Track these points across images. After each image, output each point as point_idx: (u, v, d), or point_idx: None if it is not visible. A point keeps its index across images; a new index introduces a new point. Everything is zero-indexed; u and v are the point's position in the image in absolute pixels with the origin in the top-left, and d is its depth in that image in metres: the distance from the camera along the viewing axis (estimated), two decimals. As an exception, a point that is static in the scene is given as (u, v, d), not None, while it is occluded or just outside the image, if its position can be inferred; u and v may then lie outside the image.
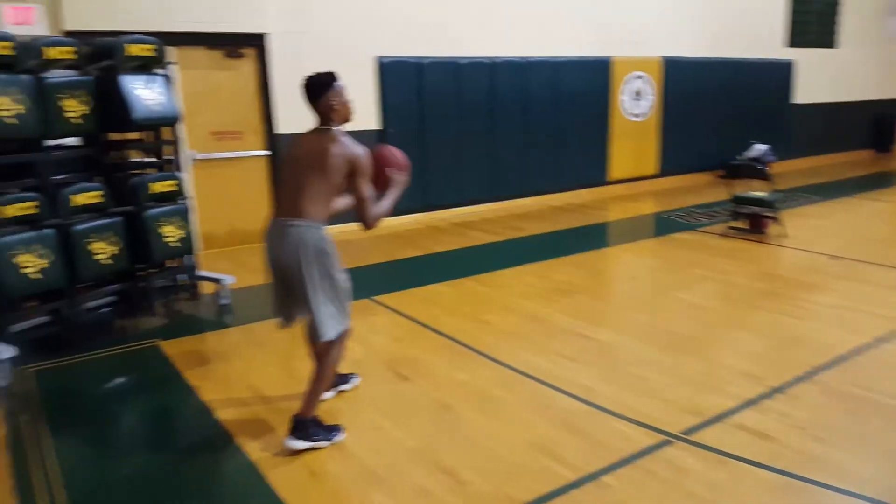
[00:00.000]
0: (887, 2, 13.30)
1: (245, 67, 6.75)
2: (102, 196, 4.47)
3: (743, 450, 3.04)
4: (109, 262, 4.46)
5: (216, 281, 5.25)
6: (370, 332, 4.57)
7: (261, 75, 6.80)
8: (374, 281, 5.87)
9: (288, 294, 3.13)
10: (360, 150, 3.03)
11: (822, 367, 3.91)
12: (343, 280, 3.13)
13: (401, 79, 7.51)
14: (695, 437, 3.16)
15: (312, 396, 3.11)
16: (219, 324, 4.96)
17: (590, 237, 7.63)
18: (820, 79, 12.27)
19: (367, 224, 3.08)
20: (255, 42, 6.68)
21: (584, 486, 2.80)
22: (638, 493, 2.75)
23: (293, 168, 3.09)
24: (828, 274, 5.88)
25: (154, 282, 4.88)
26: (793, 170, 11.62)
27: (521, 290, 5.53)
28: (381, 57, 7.35)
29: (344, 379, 3.69)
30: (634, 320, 4.89)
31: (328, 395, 3.54)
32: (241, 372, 4.04)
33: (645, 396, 3.59)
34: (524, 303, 5.18)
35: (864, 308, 4.96)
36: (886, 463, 2.97)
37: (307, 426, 3.07)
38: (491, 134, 8.36)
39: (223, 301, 5.21)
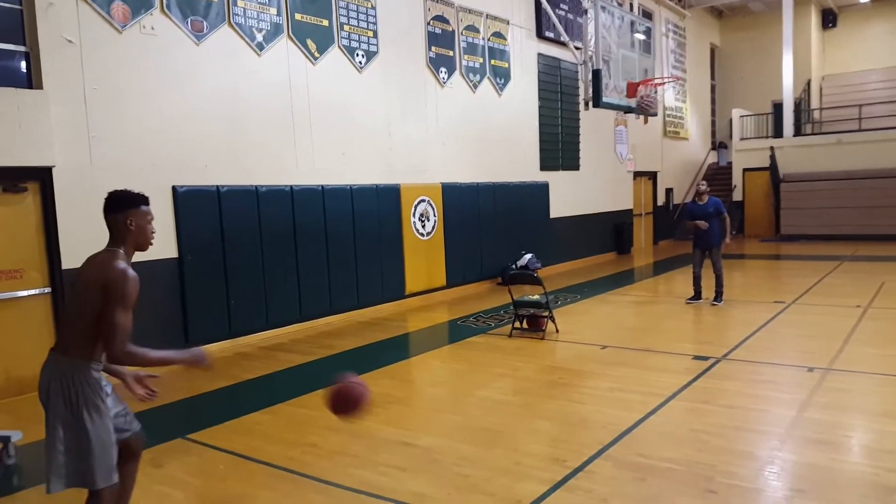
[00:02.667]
0: (615, 133, 16.27)
1: (27, 202, 6.34)
2: None
3: (560, 526, 3.48)
4: None
5: (0, 439, 4.69)
6: (188, 475, 4.37)
7: (44, 209, 6.42)
8: (184, 418, 5.62)
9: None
10: (121, 270, 2.73)
11: (610, 444, 4.58)
12: (100, 432, 2.76)
13: (199, 207, 7.52)
14: (520, 523, 3.54)
15: None
16: (10, 488, 4.39)
17: (397, 348, 8.04)
18: (569, 196, 14.43)
19: (113, 355, 2.69)
20: (39, 175, 6.34)
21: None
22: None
23: (70, 296, 2.93)
24: (600, 362, 6.85)
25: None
26: (555, 273, 13.30)
27: (340, 408, 5.66)
28: (176, 186, 7.34)
29: None
30: (449, 421, 5.28)
31: None
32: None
33: (471, 493, 3.93)
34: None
35: (633, 388, 5.88)
36: (669, 516, 3.59)
37: None
38: (293, 257, 8.59)
39: (11, 461, 4.66)
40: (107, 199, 2.93)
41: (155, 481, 4.22)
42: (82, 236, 6.55)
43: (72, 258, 6.52)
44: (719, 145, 23.34)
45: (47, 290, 6.49)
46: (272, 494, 4.06)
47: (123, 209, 2.90)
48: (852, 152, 18.31)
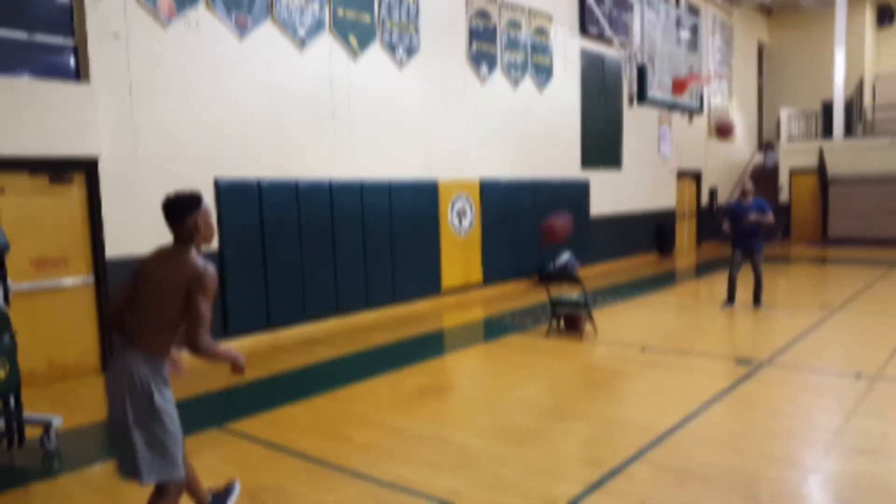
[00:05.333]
0: (659, 131, 15.97)
1: (72, 192, 6.49)
2: None
3: (596, 529, 3.40)
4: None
5: (42, 424, 4.77)
6: (223, 464, 4.40)
7: (89, 199, 6.56)
8: (220, 408, 5.69)
9: (118, 432, 2.89)
10: (202, 267, 2.89)
11: (648, 447, 4.47)
12: (173, 424, 2.93)
13: (239, 199, 7.60)
14: (554, 524, 3.46)
15: None
16: (49, 472, 4.46)
17: (432, 345, 8.01)
18: (610, 195, 14.21)
19: (197, 344, 2.85)
20: (84, 166, 6.49)
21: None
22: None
23: (135, 294, 2.93)
24: (638, 364, 6.70)
25: (-31, 430, 4.36)
26: (595, 273, 13.10)
27: (375, 401, 5.67)
28: (218, 178, 7.43)
29: (224, 498, 3.52)
30: (483, 420, 5.21)
31: None
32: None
33: (506, 493, 3.87)
34: (380, 414, 5.32)
35: (672, 391, 5.74)
36: (709, 524, 3.48)
37: None
38: (331, 251, 8.62)
39: (51, 446, 4.74)
40: (171, 206, 2.96)
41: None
42: (126, 226, 6.71)
43: (115, 247, 6.67)
44: (766, 146, 22.72)
45: (90, 279, 6.63)
46: (305, 487, 4.05)
47: (191, 212, 2.95)
48: (906, 155, 17.61)
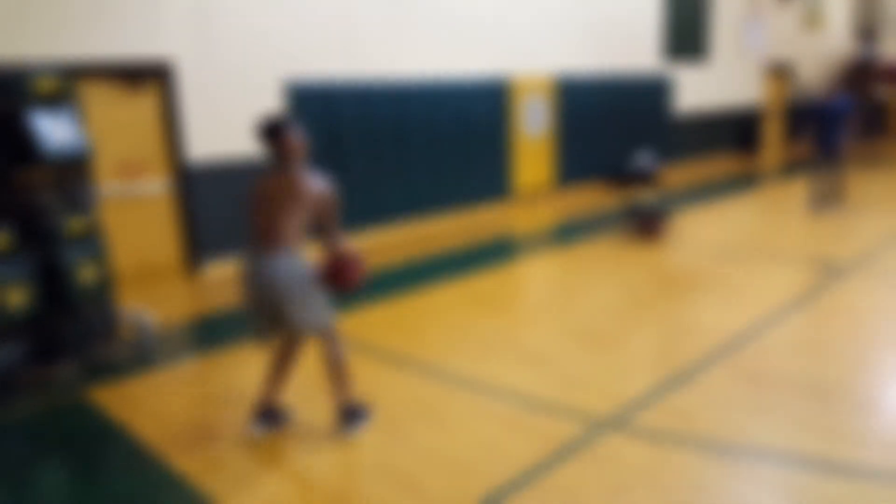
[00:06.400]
0: (747, 20, 14.76)
1: (147, 97, 6.62)
2: (11, 239, 4.27)
3: (667, 427, 3.40)
4: (22, 309, 4.25)
5: (136, 320, 5.11)
6: (309, 357, 4.62)
7: (164, 104, 6.69)
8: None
9: (272, 315, 3.42)
10: (325, 186, 3.41)
11: (722, 350, 4.40)
12: (321, 292, 3.49)
13: (311, 102, 7.59)
14: (625, 422, 3.49)
15: (343, 387, 3.53)
16: (146, 364, 4.78)
17: (503, 249, 8.01)
18: (693, 90, 13.40)
19: (335, 239, 3.51)
20: (158, 71, 6.57)
21: (531, 476, 3.05)
22: (581, 479, 3.03)
23: (266, 204, 3.39)
24: (716, 267, 6.51)
25: (72, 326, 4.66)
26: (675, 174, 12.61)
27: (448, 304, 5.77)
28: (288, 78, 7.41)
29: (276, 417, 3.65)
30: (553, 322, 5.24)
31: (258, 432, 3.56)
32: (184, 411, 3.96)
33: (574, 389, 3.92)
34: (454, 315, 5.44)
35: (749, 295, 5.58)
36: (786, 422, 3.42)
37: (356, 413, 3.54)
38: (399, 152, 8.58)
39: (146, 340, 5.09)
40: (266, 127, 3.37)
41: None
42: (204, 129, 6.85)
43: (196, 149, 6.83)
44: (866, 33, 20.71)
45: (169, 182, 6.84)
46: (383, 379, 4.24)
47: (284, 132, 3.36)
48: None
